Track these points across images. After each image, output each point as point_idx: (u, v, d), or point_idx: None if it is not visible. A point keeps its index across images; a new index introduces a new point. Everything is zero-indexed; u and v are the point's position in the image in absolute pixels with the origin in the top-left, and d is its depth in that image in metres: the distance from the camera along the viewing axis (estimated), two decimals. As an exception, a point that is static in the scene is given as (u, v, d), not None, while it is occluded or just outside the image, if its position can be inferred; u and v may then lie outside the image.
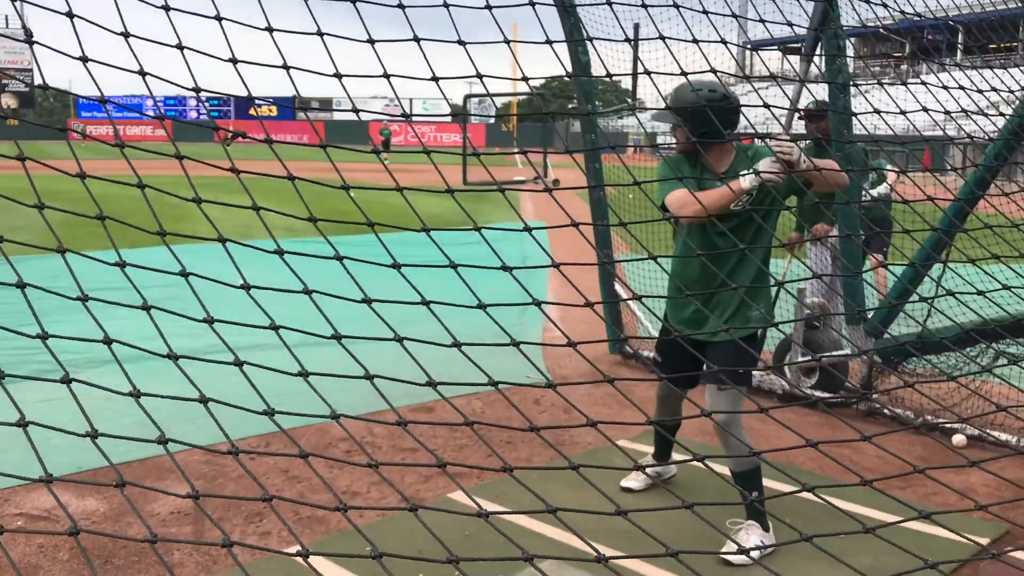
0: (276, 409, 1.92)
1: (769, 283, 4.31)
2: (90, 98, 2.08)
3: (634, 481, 4.90)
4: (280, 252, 2.02)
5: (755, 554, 4.04)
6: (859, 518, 2.23)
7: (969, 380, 5.81)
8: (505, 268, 2.13)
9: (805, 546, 4.15)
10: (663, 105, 4.01)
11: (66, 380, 1.62)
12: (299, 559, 4.01)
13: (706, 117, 3.86)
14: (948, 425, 5.82)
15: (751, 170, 3.77)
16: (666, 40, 3.09)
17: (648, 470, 4.91)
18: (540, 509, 1.58)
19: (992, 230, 3.22)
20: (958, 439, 5.70)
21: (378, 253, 2.47)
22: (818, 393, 6.47)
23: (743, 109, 4.07)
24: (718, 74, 3.33)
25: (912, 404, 6.25)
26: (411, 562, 3.95)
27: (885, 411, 6.18)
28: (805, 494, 4.77)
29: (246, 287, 1.97)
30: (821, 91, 7.30)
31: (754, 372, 6.93)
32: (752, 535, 4.15)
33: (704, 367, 4.19)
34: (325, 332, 2.18)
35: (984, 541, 4.22)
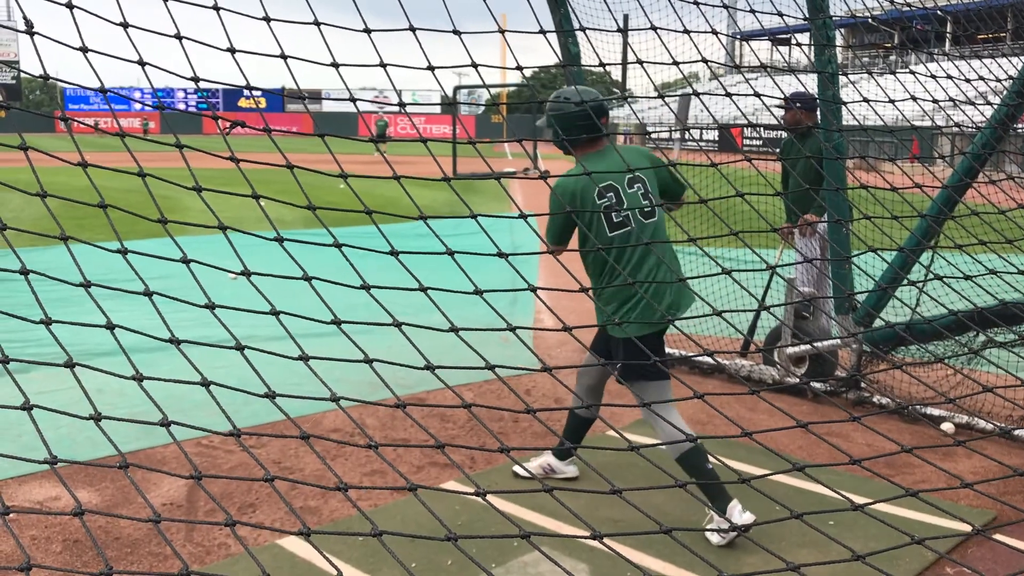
0: (274, 398, 1.93)
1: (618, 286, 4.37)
2: (86, 87, 2.08)
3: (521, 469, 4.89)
4: (280, 240, 2.03)
5: (718, 538, 4.10)
6: (847, 504, 2.26)
7: (959, 366, 5.86)
8: (501, 255, 2.15)
9: (794, 532, 4.21)
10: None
11: (69, 364, 1.63)
12: (288, 548, 4.02)
13: (564, 127, 4.25)
14: (936, 413, 5.87)
15: None
16: (658, 31, 3.11)
17: (536, 465, 4.93)
18: (537, 489, 1.60)
19: (979, 217, 3.25)
20: (947, 427, 5.75)
21: (372, 245, 2.49)
22: (809, 382, 6.51)
23: (733, 100, 4.10)
24: (709, 64, 3.35)
25: (901, 393, 6.30)
26: (403, 552, 3.99)
27: (874, 399, 6.22)
28: (795, 481, 4.82)
29: (246, 273, 1.98)
30: (811, 81, 7.33)
31: (744, 362, 6.97)
32: (715, 517, 4.18)
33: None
34: (323, 321, 2.19)
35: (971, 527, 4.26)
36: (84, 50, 1.98)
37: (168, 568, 3.95)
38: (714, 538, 4.11)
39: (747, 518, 4.08)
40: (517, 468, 4.84)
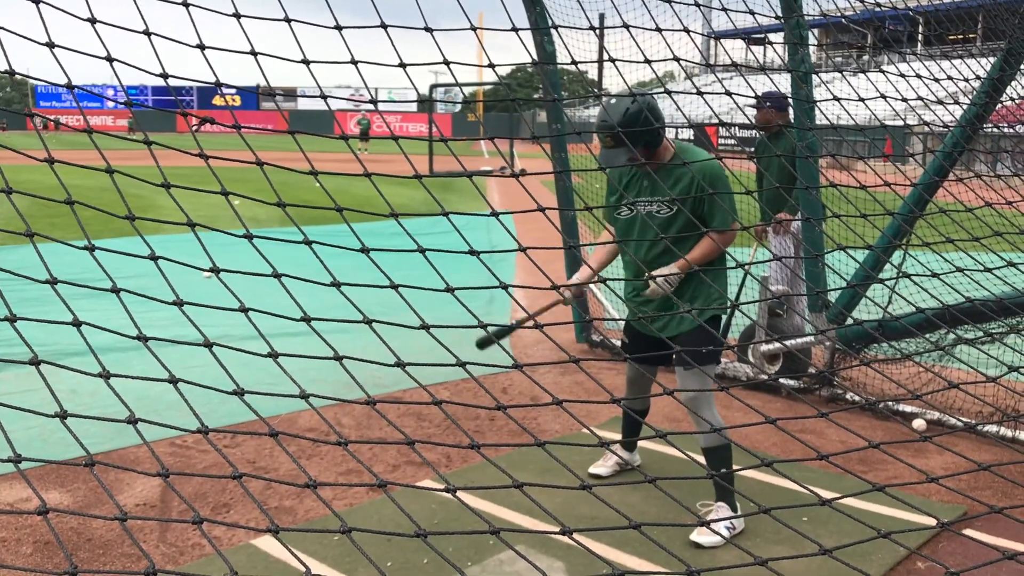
0: (243, 395, 1.92)
1: (722, 267, 4.39)
2: (55, 84, 2.07)
3: (602, 467, 4.93)
4: (249, 236, 2.02)
5: (725, 532, 4.12)
6: (815, 499, 2.28)
7: (929, 364, 5.92)
8: (472, 252, 2.15)
9: (769, 529, 4.24)
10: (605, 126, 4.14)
11: (35, 362, 1.62)
12: (262, 548, 4.01)
13: (634, 137, 3.94)
14: (909, 410, 5.93)
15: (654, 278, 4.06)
16: (630, 29, 3.12)
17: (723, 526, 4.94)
18: (507, 484, 1.61)
19: (948, 216, 3.29)
20: (918, 423, 5.81)
21: (347, 244, 2.48)
22: (782, 379, 6.56)
23: (707, 99, 4.13)
24: (681, 63, 3.36)
25: (874, 390, 6.36)
26: (379, 551, 3.98)
27: (847, 396, 6.28)
28: (770, 478, 4.85)
29: (215, 270, 1.97)
30: (785, 81, 7.39)
31: (720, 358, 7.01)
32: (721, 515, 4.21)
33: (670, 349, 4.28)
34: (292, 318, 2.18)
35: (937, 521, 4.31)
36: (51, 45, 1.97)
37: (140, 569, 3.92)
38: (709, 539, 4.10)
39: (740, 525, 4.27)
40: (594, 469, 4.92)
